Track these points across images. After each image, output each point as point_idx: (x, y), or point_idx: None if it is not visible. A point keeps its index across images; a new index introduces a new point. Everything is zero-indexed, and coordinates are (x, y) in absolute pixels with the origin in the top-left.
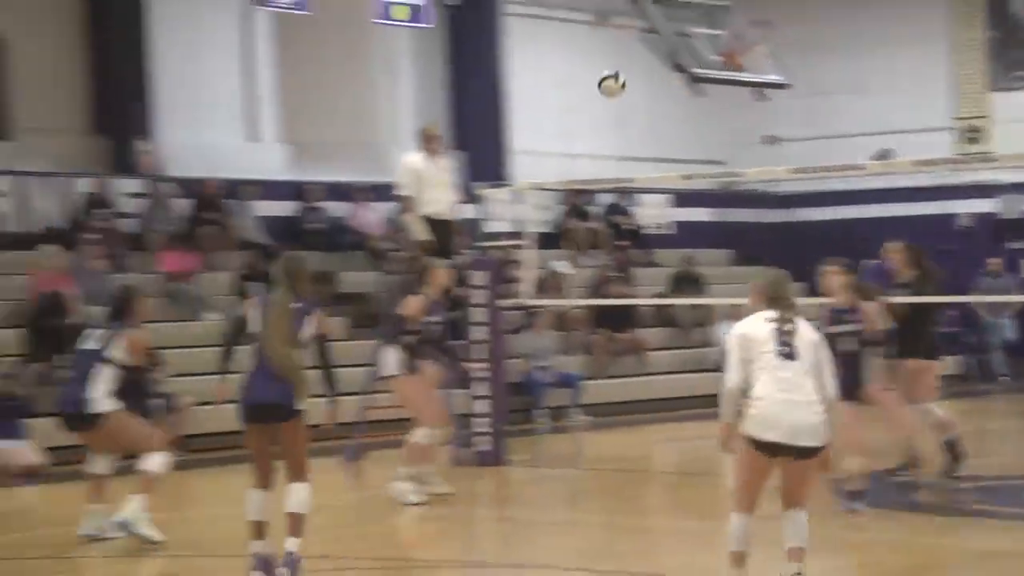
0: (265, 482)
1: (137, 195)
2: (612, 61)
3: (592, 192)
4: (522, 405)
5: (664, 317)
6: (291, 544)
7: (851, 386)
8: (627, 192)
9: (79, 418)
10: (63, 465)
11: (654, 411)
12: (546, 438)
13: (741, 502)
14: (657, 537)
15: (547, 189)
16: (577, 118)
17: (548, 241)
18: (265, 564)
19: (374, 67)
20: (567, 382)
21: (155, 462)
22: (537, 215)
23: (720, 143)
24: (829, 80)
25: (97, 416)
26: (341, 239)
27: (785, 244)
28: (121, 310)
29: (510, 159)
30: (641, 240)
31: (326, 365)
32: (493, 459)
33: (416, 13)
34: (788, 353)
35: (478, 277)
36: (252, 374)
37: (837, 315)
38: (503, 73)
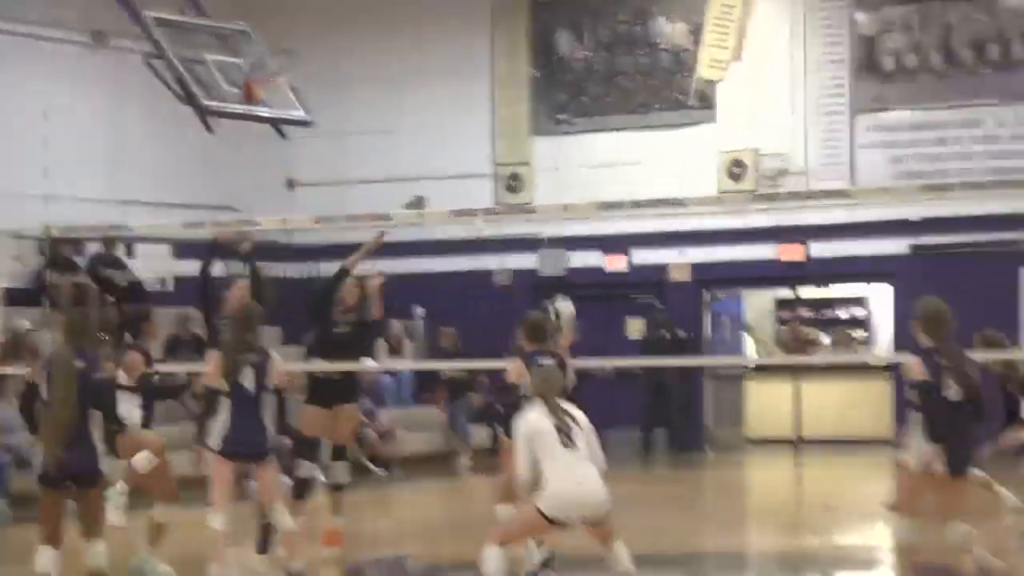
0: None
1: None
2: (109, 89)
3: (79, 241)
4: None
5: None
6: None
7: None
8: (120, 241)
9: None
10: None
11: None
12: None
13: None
14: None
15: (23, 237)
16: (64, 154)
17: (23, 298)
18: None
19: None
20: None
21: None
22: (11, 267)
23: (234, 187)
24: (357, 118)
25: None
26: None
27: (303, 303)
28: None
29: None
30: (137, 296)
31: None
32: None
33: None
34: (568, 443)
35: None
36: None
37: None
38: None
